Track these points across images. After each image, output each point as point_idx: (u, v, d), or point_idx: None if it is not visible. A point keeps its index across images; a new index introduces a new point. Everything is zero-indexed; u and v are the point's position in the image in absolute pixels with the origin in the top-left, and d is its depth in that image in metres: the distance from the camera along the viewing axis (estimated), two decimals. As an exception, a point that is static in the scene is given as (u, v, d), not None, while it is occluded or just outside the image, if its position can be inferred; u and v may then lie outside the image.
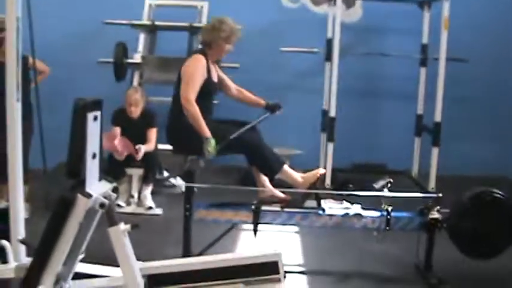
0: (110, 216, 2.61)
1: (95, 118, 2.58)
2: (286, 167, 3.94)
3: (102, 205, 2.56)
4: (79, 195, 2.47)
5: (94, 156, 2.59)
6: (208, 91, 3.97)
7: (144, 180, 5.27)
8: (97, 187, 2.62)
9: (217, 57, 4.12)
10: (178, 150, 4.15)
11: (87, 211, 2.53)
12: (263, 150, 3.90)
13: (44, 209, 4.63)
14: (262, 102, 4.28)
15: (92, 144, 2.57)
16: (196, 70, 3.88)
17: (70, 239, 2.52)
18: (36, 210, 4.61)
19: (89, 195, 2.49)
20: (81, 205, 2.48)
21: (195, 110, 3.78)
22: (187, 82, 3.84)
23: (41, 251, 2.53)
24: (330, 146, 5.94)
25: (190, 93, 3.80)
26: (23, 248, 3.21)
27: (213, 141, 3.77)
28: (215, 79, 4.09)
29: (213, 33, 3.98)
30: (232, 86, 4.29)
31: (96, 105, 2.60)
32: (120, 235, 2.61)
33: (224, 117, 4.18)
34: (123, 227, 2.62)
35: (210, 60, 4.02)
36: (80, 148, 2.51)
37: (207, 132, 3.77)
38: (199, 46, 4.30)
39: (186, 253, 3.86)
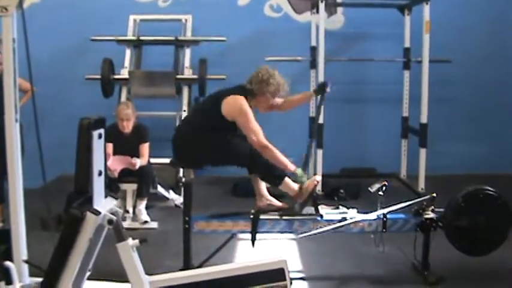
0: (118, 232, 2.64)
1: (100, 136, 2.61)
2: (287, 178, 3.97)
3: (110, 221, 2.59)
4: (88, 213, 2.49)
5: (100, 173, 2.62)
6: (231, 128, 3.95)
7: (138, 194, 5.27)
8: (104, 204, 2.64)
9: (260, 107, 4.09)
10: (184, 162, 4.13)
11: (95, 228, 2.56)
12: (267, 161, 3.92)
13: (41, 228, 4.66)
14: (309, 93, 4.45)
15: (98, 162, 2.60)
16: (248, 116, 3.85)
17: (80, 256, 2.54)
18: (31, 231, 4.59)
19: (97, 213, 2.51)
20: (91, 222, 2.51)
21: (274, 152, 3.85)
22: (251, 131, 3.83)
23: (52, 268, 2.54)
24: (320, 152, 6.00)
25: (262, 139, 3.83)
26: (26, 269, 3.23)
27: (299, 171, 3.92)
28: None
29: (261, 85, 3.97)
30: (280, 102, 4.25)
31: (100, 123, 2.63)
32: (129, 250, 2.64)
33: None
34: (131, 242, 2.65)
35: (250, 105, 3.98)
36: (86, 166, 2.53)
37: (292, 166, 3.89)
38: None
39: (187, 265, 3.87)
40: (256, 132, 3.84)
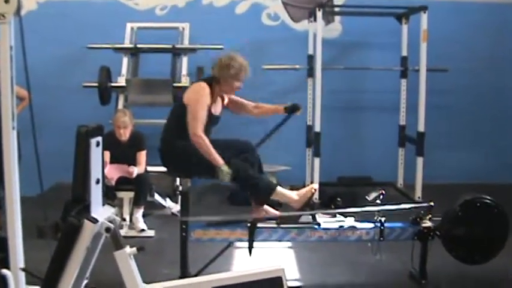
0: (116, 240, 2.63)
1: (97, 144, 2.60)
2: (279, 188, 3.90)
3: (107, 229, 2.58)
4: (86, 221, 2.49)
5: (98, 181, 2.61)
6: (206, 123, 3.92)
7: (135, 202, 5.27)
8: (101, 212, 2.64)
9: (226, 93, 4.06)
10: (174, 172, 4.14)
11: (93, 236, 2.55)
12: (252, 180, 3.87)
13: (37, 236, 4.63)
14: (280, 108, 4.29)
15: (95, 170, 2.60)
16: (199, 102, 3.83)
17: (78, 264, 2.53)
18: (27, 239, 4.56)
19: (95, 221, 2.51)
20: (88, 230, 2.50)
21: (205, 143, 3.78)
22: (193, 117, 3.80)
23: (50, 276, 2.53)
24: (317, 161, 6.00)
25: (197, 128, 3.78)
26: (23, 277, 3.21)
27: (225, 168, 3.78)
28: (217, 112, 4.05)
29: (222, 69, 3.93)
30: (250, 105, 4.29)
31: (98, 130, 2.63)
32: (127, 258, 2.63)
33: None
34: (129, 250, 2.64)
35: (215, 93, 3.97)
36: (84, 174, 2.53)
37: (219, 161, 3.78)
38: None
39: (184, 273, 3.86)
40: (197, 121, 3.79)
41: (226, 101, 4.14)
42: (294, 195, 3.97)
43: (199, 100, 3.83)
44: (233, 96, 4.19)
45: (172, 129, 3.96)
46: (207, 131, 3.90)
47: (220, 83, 3.96)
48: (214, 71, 3.98)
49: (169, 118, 4.08)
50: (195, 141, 3.77)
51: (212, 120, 3.97)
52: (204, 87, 3.88)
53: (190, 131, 3.79)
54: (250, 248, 3.89)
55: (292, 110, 4.25)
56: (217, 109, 4.05)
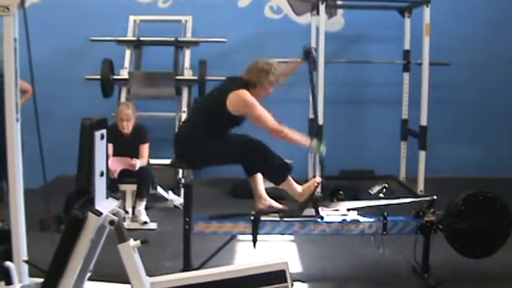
0: (120, 233, 2.63)
1: (102, 136, 2.61)
2: (290, 177, 3.98)
3: (111, 222, 2.58)
4: (90, 214, 2.49)
5: (102, 174, 2.61)
6: (237, 123, 4.00)
7: (138, 195, 5.27)
8: (105, 205, 2.64)
9: (260, 97, 4.02)
10: (187, 162, 4.11)
11: (97, 229, 2.55)
12: (272, 157, 3.94)
13: (39, 229, 4.64)
14: (293, 65, 4.49)
15: (100, 162, 2.60)
16: (256, 106, 3.87)
17: (82, 256, 2.54)
18: (30, 231, 4.58)
19: (99, 213, 2.51)
20: (92, 223, 2.51)
21: (287, 133, 3.90)
22: (262, 119, 3.86)
23: (53, 269, 2.54)
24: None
25: (273, 123, 3.88)
26: (26, 269, 3.23)
27: (314, 143, 3.99)
28: None
29: (261, 75, 3.97)
30: None
31: (102, 123, 2.63)
32: (130, 251, 2.63)
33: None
34: (132, 243, 2.64)
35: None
36: (88, 166, 2.53)
37: (306, 141, 3.98)
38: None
39: (187, 266, 3.87)
40: (267, 119, 3.88)
41: None
42: (298, 188, 4.01)
43: (255, 104, 3.88)
44: None
45: (200, 124, 3.96)
46: (229, 129, 3.95)
47: (256, 87, 3.99)
48: (251, 76, 3.99)
49: (194, 114, 4.16)
50: (280, 136, 3.88)
51: (241, 121, 4.03)
52: (248, 94, 3.90)
53: (270, 130, 3.88)
54: (255, 241, 3.90)
55: (307, 55, 4.39)
56: None
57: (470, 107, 7.06)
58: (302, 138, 3.96)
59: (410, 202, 4.14)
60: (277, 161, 3.98)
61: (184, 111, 6.06)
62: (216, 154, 3.94)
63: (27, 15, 3.15)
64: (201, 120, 3.98)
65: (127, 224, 5.09)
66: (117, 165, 5.17)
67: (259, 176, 4.06)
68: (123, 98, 6.10)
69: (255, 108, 3.87)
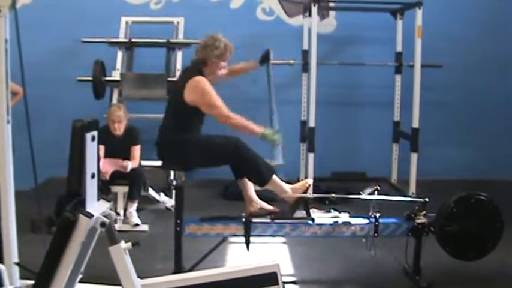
0: (111, 235, 2.62)
1: (93, 138, 2.60)
2: (275, 177, 3.96)
3: (103, 224, 2.57)
4: (81, 216, 2.48)
5: (93, 176, 2.60)
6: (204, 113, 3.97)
7: (129, 197, 5.25)
8: (96, 207, 2.63)
9: (213, 75, 3.99)
10: (170, 166, 4.12)
11: (88, 231, 2.54)
12: (254, 158, 3.89)
13: (30, 231, 4.62)
14: (253, 63, 4.41)
15: (91, 164, 2.59)
16: (209, 92, 3.84)
17: (73, 258, 2.52)
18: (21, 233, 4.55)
19: (90, 215, 2.50)
20: (83, 225, 2.50)
21: (240, 120, 3.85)
22: (214, 106, 3.82)
23: (44, 271, 2.52)
24: (311, 156, 6.00)
25: (225, 111, 3.82)
26: (17, 271, 3.21)
27: (267, 131, 3.93)
28: None
29: (207, 50, 3.95)
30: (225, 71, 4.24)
31: (93, 125, 2.62)
32: (122, 253, 2.62)
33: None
34: (124, 245, 2.63)
35: (209, 80, 3.97)
36: (79, 168, 2.52)
37: (259, 129, 3.91)
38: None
39: (178, 268, 3.86)
40: (220, 106, 3.82)
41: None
42: (287, 188, 3.99)
43: (209, 90, 3.84)
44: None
45: (175, 125, 3.94)
46: (201, 121, 3.91)
47: (206, 65, 3.96)
48: (199, 53, 3.98)
49: (167, 111, 4.07)
50: (231, 123, 3.84)
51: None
52: (204, 81, 3.87)
53: (221, 117, 3.82)
54: (248, 243, 3.89)
55: (265, 58, 4.34)
56: None
57: (462, 109, 7.08)
58: (255, 127, 3.90)
59: (401, 201, 4.15)
60: (259, 163, 3.92)
61: (176, 113, 6.04)
62: (198, 157, 3.90)
63: (19, 16, 3.14)
64: (173, 122, 3.96)
65: (118, 226, 5.08)
66: (108, 166, 5.16)
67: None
68: (114, 100, 6.08)
69: (209, 95, 3.82)
